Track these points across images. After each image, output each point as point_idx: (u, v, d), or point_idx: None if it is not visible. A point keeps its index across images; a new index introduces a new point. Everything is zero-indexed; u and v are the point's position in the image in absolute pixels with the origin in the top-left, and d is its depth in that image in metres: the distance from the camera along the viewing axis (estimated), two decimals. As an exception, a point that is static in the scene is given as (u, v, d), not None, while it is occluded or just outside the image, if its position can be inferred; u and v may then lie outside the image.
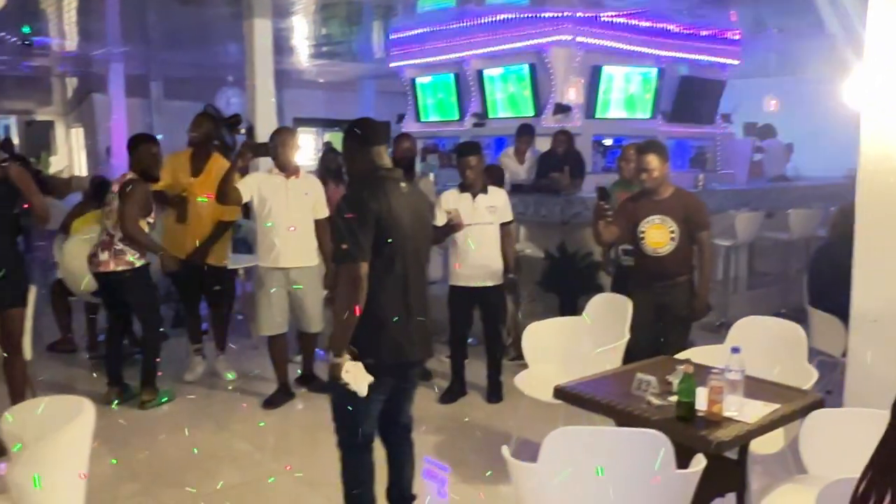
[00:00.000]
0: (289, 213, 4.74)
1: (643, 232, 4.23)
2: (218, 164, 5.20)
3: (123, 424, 4.60)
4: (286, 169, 4.78)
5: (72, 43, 11.55)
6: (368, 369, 2.88)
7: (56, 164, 16.61)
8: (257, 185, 4.73)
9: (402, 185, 3.02)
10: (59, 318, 6.14)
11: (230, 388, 5.38)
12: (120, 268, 4.75)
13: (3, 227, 4.08)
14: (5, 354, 4.25)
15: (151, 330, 4.99)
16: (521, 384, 4.01)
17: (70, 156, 17.93)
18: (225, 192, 4.64)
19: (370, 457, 3.11)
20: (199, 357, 5.49)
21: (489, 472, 3.98)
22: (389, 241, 2.88)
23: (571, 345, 4.14)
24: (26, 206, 4.08)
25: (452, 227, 4.78)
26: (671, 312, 4.23)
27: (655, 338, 4.42)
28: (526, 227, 6.83)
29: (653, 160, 4.16)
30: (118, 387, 5.03)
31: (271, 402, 4.97)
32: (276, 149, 4.77)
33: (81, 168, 17.31)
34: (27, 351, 4.52)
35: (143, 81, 15.51)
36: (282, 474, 4.02)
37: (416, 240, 2.99)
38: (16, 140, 17.01)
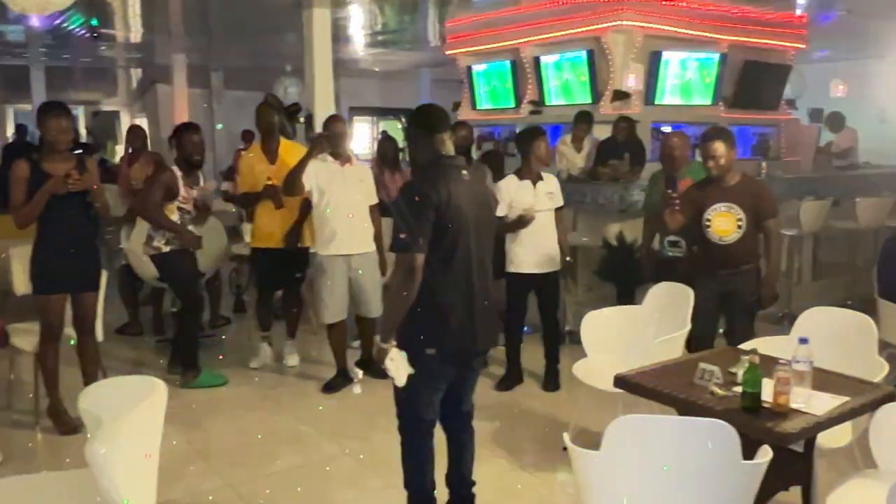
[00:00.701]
0: (347, 201, 4.81)
1: (709, 220, 4.16)
2: (288, 148, 5.32)
3: (190, 406, 4.74)
4: (341, 157, 4.85)
5: (136, 34, 11.85)
6: (431, 359, 2.91)
7: (121, 153, 17.10)
8: (315, 174, 4.80)
9: (464, 172, 3.01)
10: (127, 303, 6.35)
11: (292, 372, 5.49)
12: (149, 253, 5.02)
13: (78, 215, 4.23)
14: (78, 337, 4.42)
15: (184, 313, 5.16)
16: (580, 373, 3.99)
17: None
18: (294, 184, 4.76)
19: (430, 442, 3.13)
20: (265, 344, 5.60)
21: (548, 460, 3.99)
22: (450, 229, 2.87)
23: (630, 334, 4.10)
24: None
25: (525, 221, 4.79)
26: (737, 301, 4.17)
27: (716, 327, 4.37)
28: (583, 215, 6.77)
29: (719, 147, 4.08)
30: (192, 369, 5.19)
31: (331, 387, 5.06)
32: (332, 137, 4.84)
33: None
34: (99, 333, 4.71)
35: (204, 72, 15.84)
36: (341, 456, 4.10)
37: (478, 227, 2.99)
38: (83, 130, 17.58)
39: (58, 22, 9.71)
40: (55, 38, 11.66)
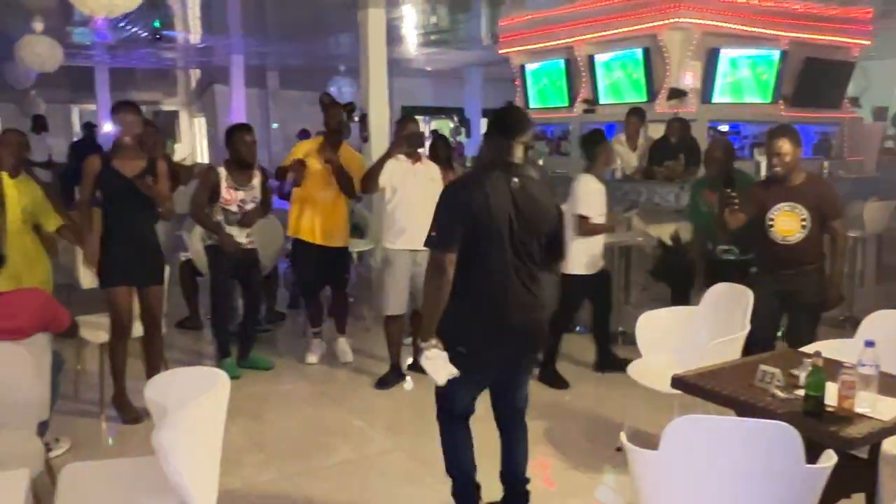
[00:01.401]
0: (417, 198, 4.86)
1: (772, 219, 4.08)
2: (347, 152, 5.42)
3: (247, 398, 4.84)
4: (413, 155, 4.91)
5: (196, 36, 12.14)
6: (460, 356, 2.92)
7: (180, 152, 17.54)
8: (390, 172, 4.88)
9: (515, 180, 2.97)
10: (188, 297, 6.51)
11: (345, 367, 5.57)
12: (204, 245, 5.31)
13: (144, 211, 4.37)
14: (145, 330, 4.54)
15: (214, 306, 5.36)
16: (634, 373, 3.95)
17: (193, 144, 18.88)
18: (372, 181, 4.87)
19: (464, 430, 3.19)
20: (318, 339, 5.70)
21: (600, 460, 3.97)
22: (483, 235, 2.90)
23: (686, 335, 4.04)
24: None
25: (613, 226, 5.02)
26: (799, 301, 4.09)
27: (776, 329, 4.29)
28: (638, 215, 6.71)
29: (784, 144, 4.00)
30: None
31: (384, 382, 5.11)
32: (408, 137, 4.91)
33: (203, 155, 18.20)
34: (161, 325, 4.84)
35: (260, 72, 16.14)
36: (395, 451, 4.15)
37: (520, 235, 2.96)
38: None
39: (122, 24, 10.01)
40: (119, 40, 12.02)
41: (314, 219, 5.35)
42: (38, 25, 8.85)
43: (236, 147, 5.14)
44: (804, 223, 4.02)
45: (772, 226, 4.09)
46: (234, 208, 5.15)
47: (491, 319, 2.96)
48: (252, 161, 5.19)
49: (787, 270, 4.09)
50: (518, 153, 3.03)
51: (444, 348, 2.92)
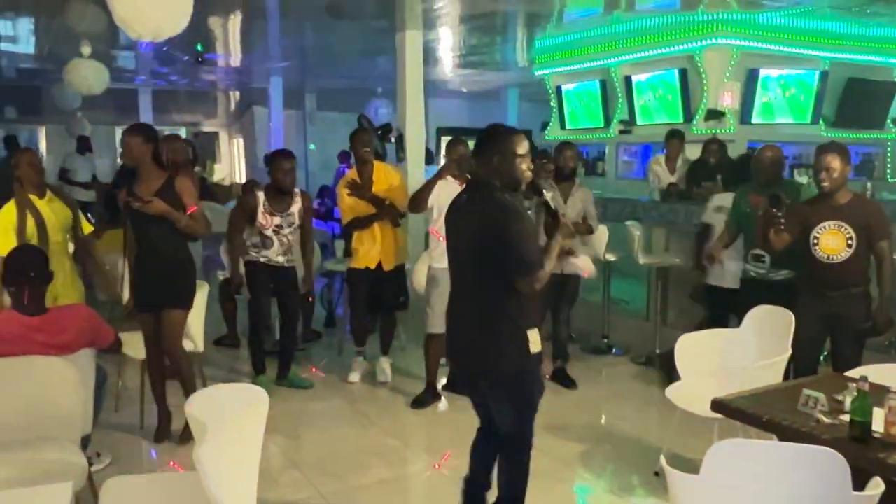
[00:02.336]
0: None
1: (817, 238, 4.00)
2: (384, 174, 5.50)
3: (283, 416, 4.87)
4: (461, 177, 4.96)
5: (236, 59, 12.38)
6: None
7: (219, 172, 17.83)
8: (437, 193, 4.92)
9: (464, 196, 3.13)
10: (226, 315, 6.59)
11: (382, 387, 5.58)
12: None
13: (165, 234, 4.26)
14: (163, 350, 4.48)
15: (251, 324, 5.47)
16: (673, 396, 3.90)
17: (231, 164, 19.19)
18: (421, 202, 4.96)
19: (479, 439, 3.32)
20: (361, 359, 5.73)
21: (638, 484, 3.92)
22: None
23: (727, 358, 3.98)
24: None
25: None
26: (844, 325, 3.99)
27: (819, 353, 4.19)
28: (676, 235, 6.65)
29: (833, 160, 3.91)
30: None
31: (419, 402, 5.11)
32: (458, 160, 4.98)
33: (241, 176, 18.49)
34: (199, 344, 4.91)
35: (298, 94, 16.36)
36: (430, 472, 4.13)
37: (458, 254, 3.10)
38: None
39: (166, 48, 10.26)
40: (162, 62, 12.31)
41: (370, 246, 5.43)
42: (86, 49, 9.10)
43: (274, 173, 5.24)
44: (850, 242, 3.94)
45: (816, 244, 4.01)
46: (269, 232, 5.24)
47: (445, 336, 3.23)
48: (288, 188, 5.26)
49: (831, 292, 4.00)
50: (483, 168, 3.06)
51: None
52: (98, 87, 8.88)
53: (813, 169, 4.08)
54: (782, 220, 4.04)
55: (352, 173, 5.57)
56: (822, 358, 4.38)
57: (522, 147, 3.01)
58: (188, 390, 4.35)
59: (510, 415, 3.07)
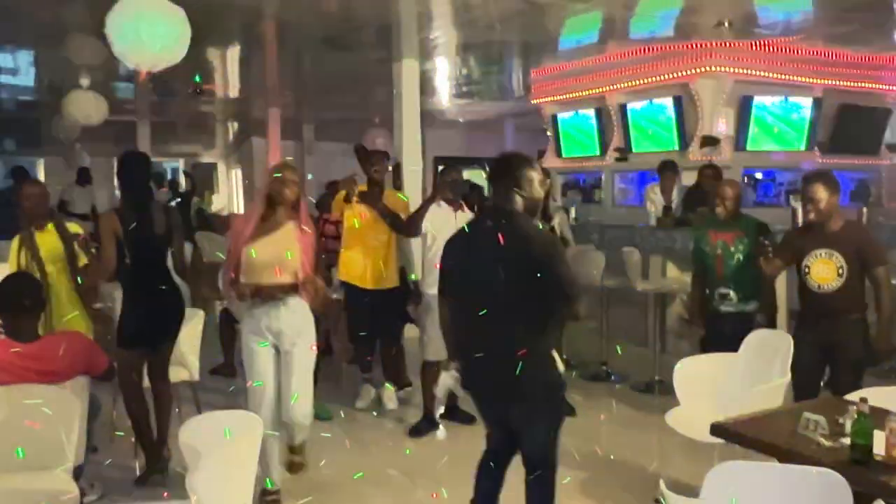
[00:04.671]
0: None
1: (808, 266, 4.00)
2: (392, 197, 5.54)
3: (283, 445, 4.81)
4: (454, 203, 4.97)
5: (234, 90, 12.47)
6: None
7: (217, 203, 17.87)
8: (431, 218, 4.92)
9: (489, 223, 3.05)
10: (224, 344, 6.55)
11: (384, 415, 5.52)
12: None
13: (160, 267, 4.28)
14: (151, 383, 4.42)
15: None
16: (672, 421, 3.86)
17: (230, 195, 19.24)
18: (415, 225, 4.97)
19: (490, 467, 3.29)
20: (367, 385, 5.69)
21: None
22: (454, 279, 3.18)
23: (725, 382, 3.95)
24: None
25: None
26: (842, 354, 3.95)
27: (819, 382, 4.15)
28: (673, 261, 6.65)
29: (819, 190, 3.92)
30: None
31: (417, 431, 5.06)
32: (451, 185, 5.02)
33: (239, 206, 18.52)
34: (195, 373, 4.87)
35: (296, 124, 16.45)
36: (429, 501, 4.08)
37: (488, 286, 2.98)
38: (183, 181, 18.49)
39: (164, 79, 10.34)
40: (161, 94, 12.40)
41: (365, 263, 5.38)
42: (85, 81, 9.18)
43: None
44: (840, 271, 3.91)
45: (808, 273, 4.01)
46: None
47: (465, 365, 3.17)
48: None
49: (825, 321, 3.97)
50: (505, 196, 3.07)
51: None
52: (97, 119, 8.95)
53: (800, 200, 4.07)
54: (769, 249, 4.07)
55: (360, 186, 5.55)
56: (822, 384, 4.35)
57: (539, 171, 3.17)
58: (168, 422, 4.34)
59: (544, 435, 3.12)
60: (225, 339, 6.55)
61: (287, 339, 3.85)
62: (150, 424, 4.35)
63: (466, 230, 3.15)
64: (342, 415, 5.52)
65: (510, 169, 3.09)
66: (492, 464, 3.26)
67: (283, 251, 3.72)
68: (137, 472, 4.40)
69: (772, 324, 4.76)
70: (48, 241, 4.44)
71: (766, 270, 4.21)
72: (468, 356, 3.11)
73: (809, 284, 4.02)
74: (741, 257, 4.58)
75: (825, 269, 3.95)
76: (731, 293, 4.61)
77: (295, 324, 3.85)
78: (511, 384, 2.98)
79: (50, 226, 4.47)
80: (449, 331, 3.31)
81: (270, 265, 3.74)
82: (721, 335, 4.51)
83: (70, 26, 7.30)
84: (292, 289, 3.79)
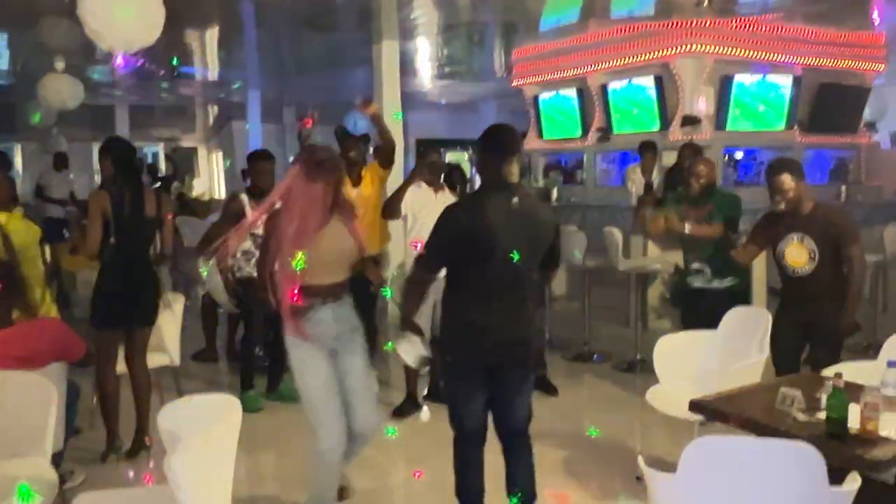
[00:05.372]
0: None
1: (783, 251, 4.03)
2: (373, 169, 5.49)
3: (261, 429, 4.81)
4: (435, 184, 4.94)
5: (213, 72, 12.34)
6: (453, 368, 3.18)
7: (198, 187, 17.72)
8: (412, 200, 4.89)
9: (514, 200, 3.01)
10: (207, 330, 6.52)
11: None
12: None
13: (145, 250, 4.31)
14: (129, 368, 4.43)
15: (248, 338, 5.40)
16: (652, 399, 3.89)
17: (211, 179, 19.09)
18: (394, 208, 4.90)
19: (475, 453, 3.24)
20: None
21: (621, 489, 3.90)
22: (476, 254, 2.99)
23: (705, 360, 3.99)
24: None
25: None
26: (819, 333, 4.00)
27: (798, 361, 4.19)
28: (655, 240, 6.67)
29: (786, 180, 3.91)
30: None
31: (399, 412, 5.07)
32: (430, 166, 4.97)
33: (220, 191, 18.39)
34: (175, 358, 4.84)
35: (277, 107, 16.34)
36: (411, 482, 4.09)
37: (521, 253, 2.99)
38: (162, 166, 18.31)
39: (141, 62, 10.20)
40: (139, 77, 12.25)
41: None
42: (60, 64, 9.03)
43: (254, 175, 5.22)
44: (812, 255, 3.94)
45: (783, 257, 4.05)
46: (261, 231, 5.16)
47: (476, 336, 3.07)
48: (267, 188, 5.23)
49: (804, 302, 4.01)
50: (514, 171, 3.05)
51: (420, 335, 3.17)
52: (72, 103, 8.82)
53: (768, 190, 4.07)
54: (741, 241, 4.14)
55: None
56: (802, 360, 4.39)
57: None
58: (147, 407, 4.33)
59: (529, 399, 3.26)
60: (207, 324, 6.52)
61: (346, 340, 3.41)
62: (117, 406, 4.36)
63: (481, 203, 3.04)
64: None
65: (519, 143, 3.15)
66: (479, 451, 3.25)
67: (345, 243, 3.35)
68: (119, 457, 4.39)
69: (746, 298, 4.82)
70: (18, 227, 4.40)
71: (739, 260, 4.30)
72: (474, 327, 3.06)
73: (785, 268, 4.05)
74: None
75: (798, 253, 3.98)
76: (705, 267, 4.67)
77: (353, 321, 3.45)
78: (523, 350, 3.15)
79: (17, 212, 4.45)
80: (408, 301, 3.23)
81: (335, 261, 3.33)
82: (698, 310, 4.61)
83: (43, 7, 7.18)
84: (346, 284, 3.44)
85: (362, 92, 5.75)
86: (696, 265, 4.72)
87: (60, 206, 10.57)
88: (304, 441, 4.67)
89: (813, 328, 4.01)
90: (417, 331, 3.20)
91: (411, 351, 3.19)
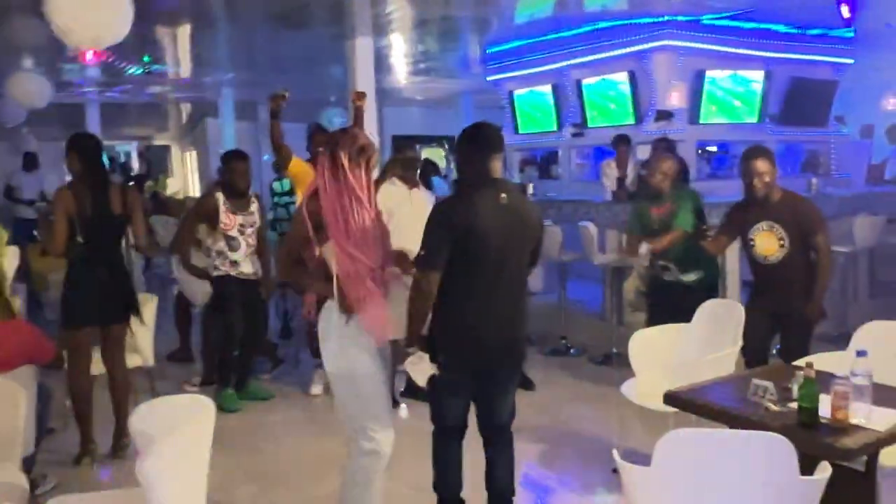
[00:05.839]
0: (412, 223, 4.84)
1: (752, 239, 4.10)
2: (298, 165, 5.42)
3: (240, 428, 4.78)
4: (410, 180, 4.93)
5: (186, 70, 12.19)
6: (443, 366, 3.05)
7: (172, 186, 17.54)
8: (387, 196, 4.86)
9: (503, 196, 3.04)
10: (181, 329, 6.46)
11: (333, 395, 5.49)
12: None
13: (114, 247, 4.28)
14: (106, 367, 4.40)
15: (227, 338, 5.31)
16: (628, 392, 3.92)
17: (185, 177, 18.90)
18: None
19: (455, 448, 3.26)
20: (321, 370, 5.62)
21: (597, 482, 3.92)
22: (471, 251, 2.96)
23: (679, 352, 4.02)
24: None
25: None
26: (789, 322, 4.07)
27: (769, 349, 4.26)
28: (629, 235, 6.70)
29: (762, 164, 4.01)
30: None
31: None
32: (404, 161, 4.96)
33: (195, 189, 18.21)
34: (149, 358, 4.80)
35: (251, 105, 16.18)
36: (389, 480, 4.07)
37: (506, 252, 3.02)
38: (136, 164, 18.10)
39: (111, 59, 10.07)
40: (109, 75, 12.07)
41: None
42: (28, 62, 8.89)
43: (230, 175, 5.18)
44: (782, 242, 4.01)
45: (753, 245, 4.11)
46: (234, 233, 5.14)
47: (470, 334, 3.06)
48: (242, 188, 5.21)
49: (774, 290, 4.07)
50: (497, 168, 3.06)
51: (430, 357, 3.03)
52: (41, 101, 8.69)
53: (743, 176, 4.12)
54: (708, 233, 4.25)
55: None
56: (774, 352, 4.45)
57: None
58: (126, 407, 4.27)
59: (514, 394, 3.31)
60: (181, 324, 6.46)
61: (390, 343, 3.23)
62: (90, 408, 4.31)
63: (472, 200, 3.01)
64: (300, 397, 5.50)
65: (503, 140, 3.17)
66: (459, 449, 3.26)
67: (382, 228, 3.18)
68: (93, 461, 4.34)
69: (713, 290, 4.87)
70: None
71: (711, 250, 4.35)
72: (469, 327, 3.03)
73: (755, 257, 4.12)
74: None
75: (768, 242, 4.06)
76: (671, 265, 4.73)
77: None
78: (517, 349, 3.25)
79: None
80: (420, 313, 3.00)
81: (379, 246, 3.12)
82: (666, 305, 4.67)
83: (9, 5, 7.04)
84: None
85: (314, 123, 5.73)
86: (662, 262, 4.77)
87: (31, 206, 10.43)
88: (274, 439, 4.67)
89: (783, 318, 4.07)
90: (425, 347, 3.04)
91: (423, 370, 3.03)
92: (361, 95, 5.42)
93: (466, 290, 3.02)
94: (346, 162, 2.97)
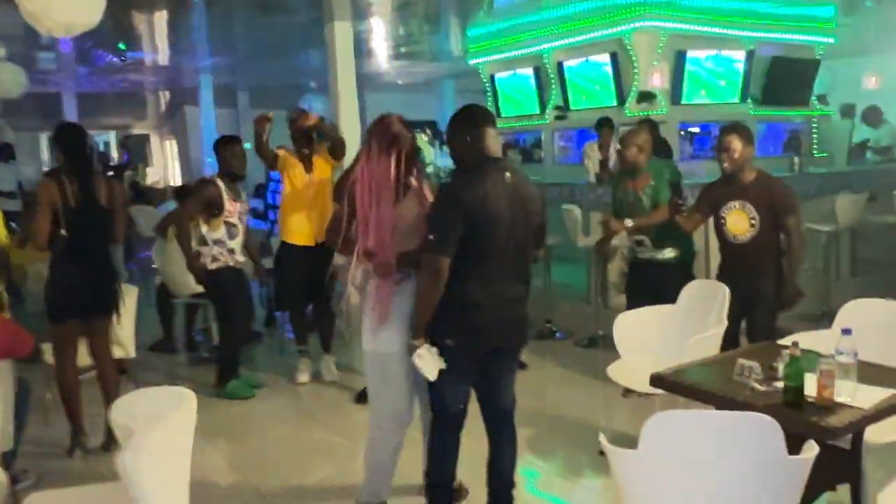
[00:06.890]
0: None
1: (724, 218, 4.12)
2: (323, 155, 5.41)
3: (225, 419, 4.74)
4: None
5: (163, 57, 12.04)
6: (448, 350, 2.95)
7: (152, 175, 17.36)
8: None
9: (507, 174, 2.98)
10: (164, 320, 6.40)
11: (328, 385, 5.47)
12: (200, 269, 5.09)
13: (99, 239, 4.18)
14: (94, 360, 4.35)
15: (234, 329, 5.23)
16: (615, 375, 3.91)
17: (165, 166, 18.72)
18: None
19: (454, 438, 3.16)
20: (306, 358, 5.60)
21: (585, 466, 3.92)
22: (481, 232, 2.88)
23: (665, 334, 4.01)
24: None
25: None
26: (757, 301, 4.08)
27: (736, 331, 4.26)
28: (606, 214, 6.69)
29: (734, 140, 4.02)
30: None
31: (363, 397, 5.02)
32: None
33: (175, 177, 18.05)
34: (130, 349, 4.74)
35: (230, 92, 16.04)
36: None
37: (513, 231, 2.97)
38: (115, 154, 17.89)
39: (87, 47, 9.91)
40: (85, 63, 11.90)
41: (303, 220, 5.27)
42: (1, 51, 8.71)
43: (227, 159, 5.08)
44: (753, 222, 4.03)
45: (724, 224, 4.14)
46: (234, 220, 5.07)
47: (479, 313, 2.96)
48: (242, 173, 5.14)
49: (742, 270, 4.09)
50: (497, 147, 3.01)
51: (431, 345, 2.95)
52: (16, 91, 8.53)
53: (717, 151, 4.14)
54: (683, 208, 4.22)
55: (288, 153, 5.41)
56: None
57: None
58: (114, 398, 4.20)
59: (514, 378, 3.31)
60: (164, 315, 6.39)
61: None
62: (79, 398, 4.26)
63: (479, 180, 2.91)
64: (286, 386, 5.46)
65: (492, 115, 3.11)
66: (453, 432, 3.18)
67: (418, 216, 3.11)
68: (76, 455, 4.29)
69: (688, 268, 4.87)
70: None
71: (685, 227, 4.35)
72: (478, 310, 2.95)
73: (726, 235, 4.15)
74: (649, 203, 4.69)
75: (739, 220, 4.08)
76: (645, 239, 4.73)
77: None
78: (523, 331, 3.21)
79: None
80: (431, 300, 2.92)
81: (410, 233, 3.07)
82: (642, 284, 4.69)
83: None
84: None
85: (295, 109, 5.61)
86: (637, 237, 4.78)
87: (8, 198, 10.27)
88: (260, 429, 4.63)
89: (751, 297, 4.08)
90: (433, 340, 2.95)
91: (431, 363, 2.94)
92: (306, 116, 5.25)
93: (474, 272, 2.93)
94: (375, 151, 3.00)
